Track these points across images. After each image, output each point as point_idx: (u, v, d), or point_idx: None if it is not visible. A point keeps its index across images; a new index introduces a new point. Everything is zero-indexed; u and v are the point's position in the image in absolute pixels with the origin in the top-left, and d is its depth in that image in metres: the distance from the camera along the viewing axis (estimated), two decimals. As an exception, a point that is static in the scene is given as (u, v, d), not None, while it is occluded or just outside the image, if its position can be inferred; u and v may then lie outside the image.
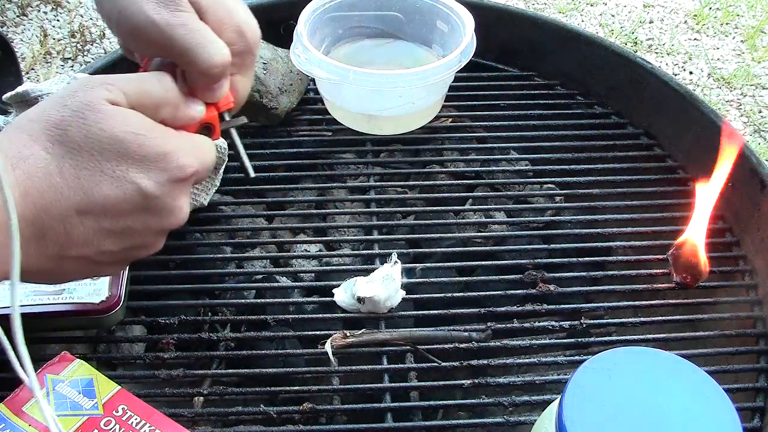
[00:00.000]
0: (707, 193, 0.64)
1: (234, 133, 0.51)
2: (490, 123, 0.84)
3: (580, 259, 0.67)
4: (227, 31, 0.47)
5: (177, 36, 0.45)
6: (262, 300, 0.66)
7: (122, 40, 0.50)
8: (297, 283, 0.69)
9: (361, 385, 0.58)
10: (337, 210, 0.76)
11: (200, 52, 0.45)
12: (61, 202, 0.40)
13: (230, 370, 0.62)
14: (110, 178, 0.41)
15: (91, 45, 1.81)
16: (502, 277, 0.66)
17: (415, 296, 0.64)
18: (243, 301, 0.67)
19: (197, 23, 0.46)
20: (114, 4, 0.47)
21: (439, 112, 0.84)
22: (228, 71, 0.47)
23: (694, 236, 0.64)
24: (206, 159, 0.46)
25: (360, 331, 0.60)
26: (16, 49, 1.32)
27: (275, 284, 0.69)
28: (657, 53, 1.92)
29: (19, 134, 0.41)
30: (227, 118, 0.50)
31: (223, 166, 0.71)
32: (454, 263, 0.72)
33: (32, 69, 1.70)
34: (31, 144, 0.40)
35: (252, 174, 0.52)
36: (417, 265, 0.67)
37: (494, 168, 0.81)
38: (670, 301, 0.66)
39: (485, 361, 0.61)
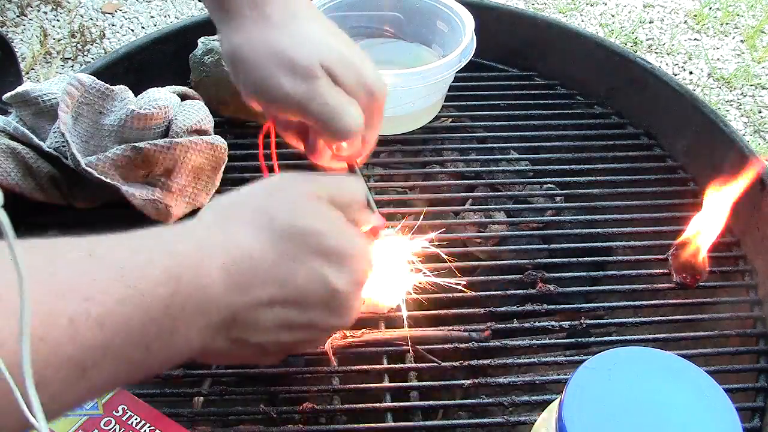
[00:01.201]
0: (719, 208, 0.64)
1: (364, 182, 0.54)
2: (490, 123, 0.84)
3: (580, 259, 0.67)
4: (358, 92, 0.50)
5: (314, 108, 0.48)
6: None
7: (262, 108, 0.52)
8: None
9: (361, 385, 0.58)
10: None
11: (336, 122, 0.48)
12: (258, 289, 0.41)
13: (230, 370, 0.62)
14: (306, 270, 0.42)
15: (91, 45, 1.81)
16: (502, 277, 0.66)
17: (415, 296, 0.64)
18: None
19: (331, 93, 0.48)
20: (250, 76, 0.50)
21: (439, 112, 0.84)
22: (361, 133, 0.50)
23: (697, 238, 0.64)
24: (372, 265, 0.47)
25: (360, 331, 0.60)
26: (16, 49, 1.32)
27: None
28: (657, 53, 1.92)
29: (228, 218, 0.42)
30: (357, 166, 0.54)
31: (223, 166, 0.71)
32: (454, 263, 0.71)
33: (32, 69, 1.70)
34: (240, 229, 0.41)
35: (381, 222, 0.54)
36: (417, 265, 0.67)
37: (494, 168, 0.81)
38: (670, 301, 0.66)
39: (485, 361, 0.61)
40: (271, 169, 0.56)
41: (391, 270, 0.63)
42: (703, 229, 0.64)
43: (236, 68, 0.51)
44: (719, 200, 0.64)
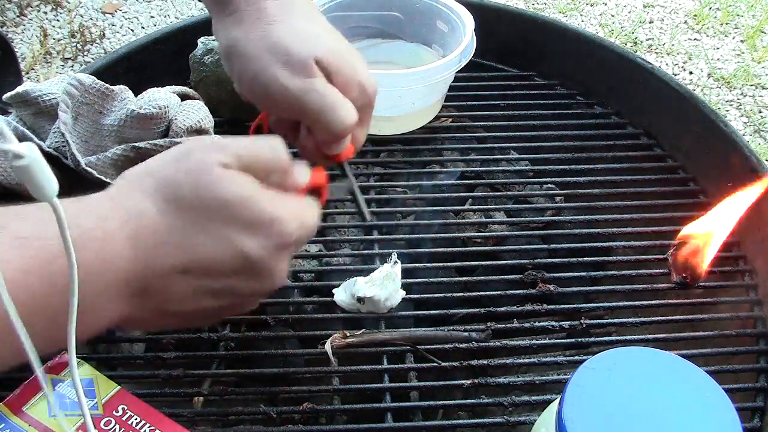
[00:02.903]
0: (725, 218, 0.64)
1: (353, 181, 0.55)
2: (490, 123, 0.84)
3: (580, 259, 0.67)
4: (352, 89, 0.50)
5: (309, 102, 0.48)
6: (262, 300, 0.66)
7: (255, 102, 0.52)
8: (297, 283, 0.69)
9: (361, 385, 0.58)
10: (337, 210, 0.76)
11: (331, 116, 0.48)
12: (166, 259, 0.41)
13: (230, 370, 0.62)
14: (215, 240, 0.41)
15: (91, 45, 1.81)
16: (502, 277, 0.66)
17: (415, 296, 0.64)
18: (243, 301, 0.67)
19: (327, 88, 0.48)
20: (246, 68, 0.50)
21: (439, 112, 0.84)
22: (354, 128, 0.50)
23: (699, 239, 0.64)
24: (310, 225, 0.46)
25: (360, 331, 0.60)
26: (16, 49, 1.32)
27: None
28: (657, 53, 1.92)
29: (133, 189, 0.42)
30: (347, 167, 0.54)
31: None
32: (454, 263, 0.72)
33: (32, 69, 1.70)
34: (144, 200, 0.41)
35: (368, 219, 0.56)
36: (417, 265, 0.67)
37: (494, 168, 0.81)
38: (670, 301, 0.66)
39: (485, 361, 0.61)
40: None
41: (390, 270, 0.63)
42: (707, 233, 0.64)
43: (232, 62, 0.51)
44: (727, 212, 0.64)
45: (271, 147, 0.45)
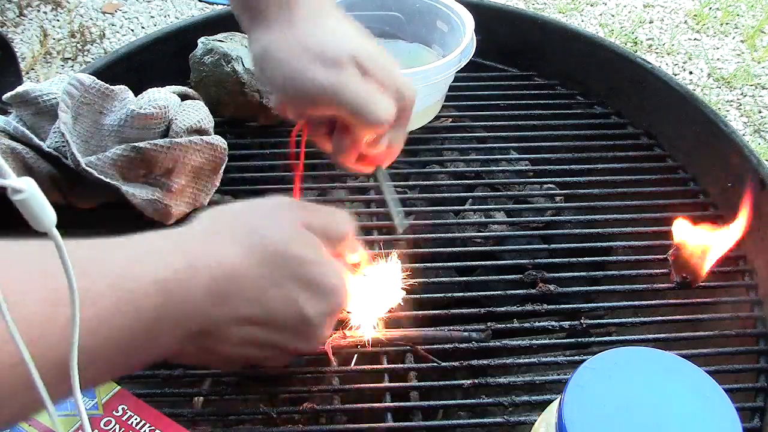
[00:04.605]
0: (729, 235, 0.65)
1: (386, 187, 0.56)
2: (490, 123, 0.84)
3: (580, 259, 0.67)
4: (388, 89, 0.50)
5: (346, 95, 0.48)
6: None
7: (289, 102, 0.52)
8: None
9: (361, 385, 0.58)
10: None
11: (369, 108, 0.48)
12: (236, 307, 0.42)
13: (230, 370, 0.62)
14: (285, 296, 0.43)
15: (91, 45, 1.81)
16: (502, 277, 0.66)
17: (415, 296, 0.64)
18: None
19: (362, 81, 0.49)
20: (279, 72, 0.50)
21: (439, 112, 0.84)
22: (390, 127, 0.50)
23: (701, 241, 0.64)
24: (348, 299, 0.49)
25: (360, 331, 0.60)
26: (16, 49, 1.32)
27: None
28: (657, 53, 1.92)
29: (221, 233, 0.43)
30: (382, 172, 0.55)
31: (223, 166, 0.71)
32: (454, 263, 0.71)
33: (32, 69, 1.70)
34: (231, 245, 0.42)
35: (400, 230, 0.56)
36: (417, 265, 0.67)
37: (494, 168, 0.81)
38: (670, 301, 0.66)
39: (485, 361, 0.60)
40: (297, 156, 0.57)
41: (390, 270, 0.63)
42: (709, 239, 0.64)
43: (265, 67, 0.51)
44: (734, 228, 0.65)
45: (344, 218, 0.48)
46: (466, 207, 0.79)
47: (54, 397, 0.33)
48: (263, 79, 0.52)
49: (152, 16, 1.93)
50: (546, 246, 0.71)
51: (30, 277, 0.34)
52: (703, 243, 0.64)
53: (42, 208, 0.25)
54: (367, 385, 0.59)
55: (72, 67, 1.73)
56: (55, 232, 0.27)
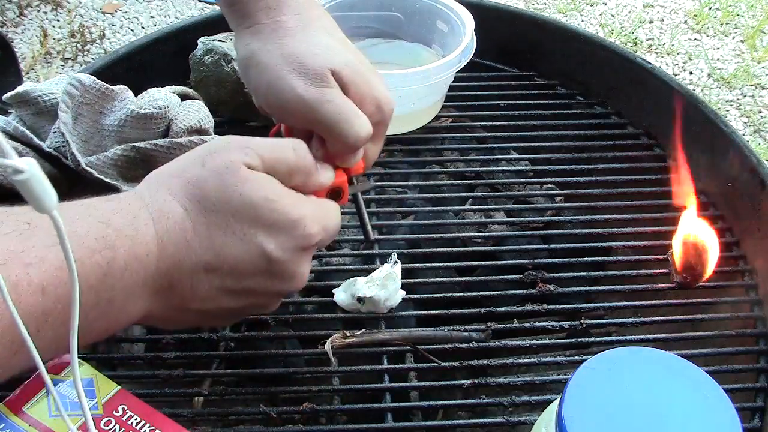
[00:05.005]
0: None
1: (359, 197, 0.55)
2: (490, 123, 0.84)
3: (580, 259, 0.67)
4: (367, 104, 0.50)
5: (324, 112, 0.48)
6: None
7: (270, 111, 0.52)
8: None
9: (361, 385, 0.58)
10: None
11: (346, 128, 0.48)
12: (192, 258, 0.42)
13: (230, 370, 0.62)
14: (239, 240, 0.42)
15: (91, 45, 1.81)
16: (502, 277, 0.66)
17: (415, 296, 0.64)
18: (243, 301, 0.67)
19: (342, 99, 0.48)
20: (262, 78, 0.50)
21: (439, 112, 0.84)
22: (366, 143, 0.50)
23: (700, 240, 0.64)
24: (331, 226, 0.47)
25: (360, 331, 0.60)
26: (16, 49, 1.32)
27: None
28: (657, 53, 1.92)
29: (160, 189, 0.43)
30: (356, 182, 0.54)
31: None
32: (454, 263, 0.72)
33: (32, 69, 1.70)
34: (171, 200, 0.42)
35: (372, 238, 0.56)
36: (417, 265, 0.67)
37: (494, 168, 0.81)
38: (670, 301, 0.66)
39: (485, 361, 0.60)
40: None
41: (390, 270, 0.63)
42: (709, 239, 0.64)
43: (249, 73, 0.52)
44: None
45: (294, 148, 0.46)
46: (466, 207, 0.79)
47: (11, 363, 0.33)
48: (247, 83, 0.53)
49: (152, 16, 1.93)
50: (546, 246, 0.71)
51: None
52: (703, 243, 0.64)
53: (44, 190, 0.25)
54: (367, 385, 0.59)
55: (72, 67, 1.73)
56: (56, 215, 0.27)
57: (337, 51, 0.51)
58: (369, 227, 0.56)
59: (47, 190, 0.25)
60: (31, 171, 0.25)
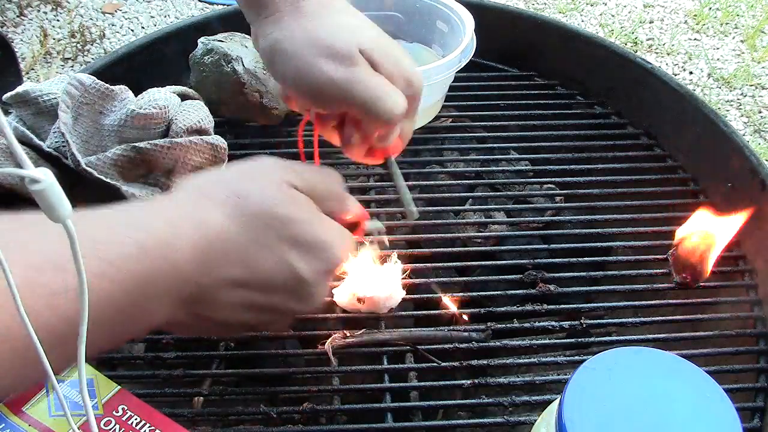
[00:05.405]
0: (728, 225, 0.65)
1: (399, 176, 0.55)
2: (490, 123, 0.84)
3: (580, 259, 0.67)
4: (397, 80, 0.49)
5: (357, 91, 0.47)
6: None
7: (299, 97, 0.52)
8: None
9: (361, 385, 0.58)
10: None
11: (380, 105, 0.47)
12: (228, 271, 0.42)
13: (230, 370, 0.62)
14: (273, 256, 0.42)
15: (91, 45, 1.81)
16: (502, 277, 0.66)
17: (415, 296, 0.64)
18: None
19: (374, 77, 0.48)
20: (289, 66, 0.49)
21: (439, 112, 0.84)
22: (402, 119, 0.50)
23: (700, 240, 0.64)
24: (348, 254, 0.48)
25: (360, 331, 0.60)
26: (16, 49, 1.32)
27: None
28: (657, 53, 1.91)
29: (203, 197, 0.43)
30: (393, 164, 0.54)
31: (223, 166, 0.71)
32: (454, 263, 0.71)
33: (32, 69, 1.70)
34: (214, 209, 0.42)
35: (415, 217, 0.56)
36: (417, 265, 0.67)
37: (494, 168, 0.81)
38: (670, 301, 0.66)
39: (485, 361, 0.61)
40: (308, 157, 0.56)
41: (390, 270, 0.63)
42: (709, 235, 0.64)
43: (274, 62, 0.51)
44: (731, 222, 0.64)
45: (331, 175, 0.48)
46: (466, 207, 0.79)
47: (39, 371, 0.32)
48: (273, 73, 0.52)
49: (152, 16, 1.93)
50: (546, 246, 0.71)
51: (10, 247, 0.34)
52: (703, 243, 0.64)
53: (59, 200, 0.26)
54: (367, 385, 0.59)
55: (72, 67, 1.73)
56: (70, 224, 0.27)
57: (362, 29, 0.50)
58: (412, 207, 0.56)
59: (62, 201, 0.26)
60: (48, 181, 0.25)
